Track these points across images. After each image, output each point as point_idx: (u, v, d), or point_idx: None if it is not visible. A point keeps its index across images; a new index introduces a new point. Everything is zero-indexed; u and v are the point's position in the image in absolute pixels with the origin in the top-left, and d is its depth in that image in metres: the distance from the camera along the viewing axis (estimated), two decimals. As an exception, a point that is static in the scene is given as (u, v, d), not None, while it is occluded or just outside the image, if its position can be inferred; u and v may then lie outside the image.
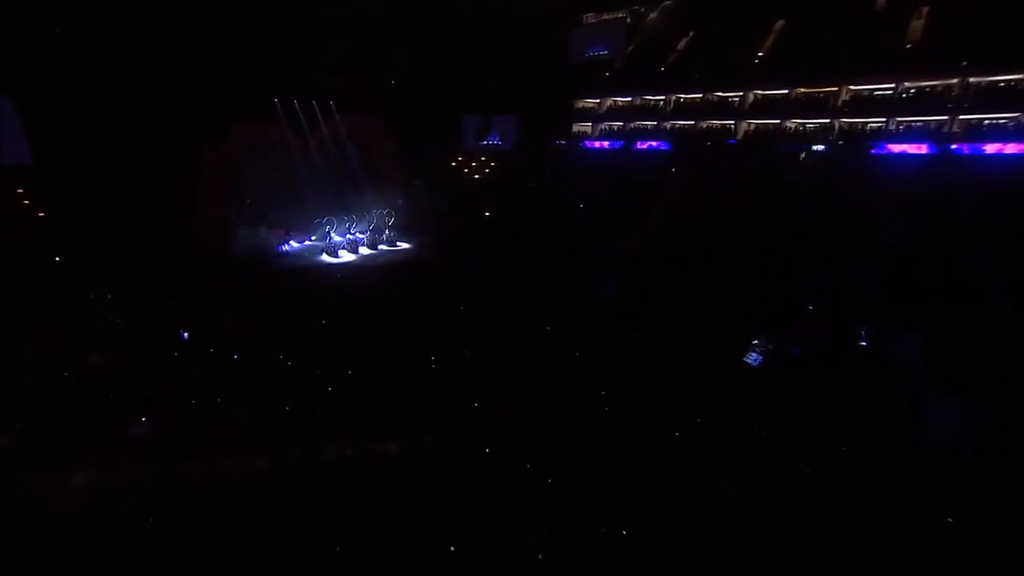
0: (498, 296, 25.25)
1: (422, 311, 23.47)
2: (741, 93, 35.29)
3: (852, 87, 29.93)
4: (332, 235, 33.80)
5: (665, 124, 39.62)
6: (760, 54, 34.26)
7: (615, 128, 42.50)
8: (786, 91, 32.98)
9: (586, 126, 43.67)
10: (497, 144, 41.92)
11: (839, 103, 30.21)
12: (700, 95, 37.65)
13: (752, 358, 20.58)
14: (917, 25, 28.32)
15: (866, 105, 29.38)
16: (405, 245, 35.38)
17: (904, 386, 17.21)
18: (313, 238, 35.30)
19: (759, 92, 34.76)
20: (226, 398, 15.56)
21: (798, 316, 23.09)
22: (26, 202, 28.11)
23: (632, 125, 41.41)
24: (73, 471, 11.50)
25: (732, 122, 36.07)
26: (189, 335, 20.69)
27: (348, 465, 13.51)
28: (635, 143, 40.20)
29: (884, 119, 28.41)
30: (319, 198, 35.33)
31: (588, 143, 42.99)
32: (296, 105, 33.90)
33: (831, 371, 18.44)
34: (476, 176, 42.34)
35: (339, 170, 36.57)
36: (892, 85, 28.17)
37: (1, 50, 26.18)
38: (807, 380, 18.38)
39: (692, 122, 38.16)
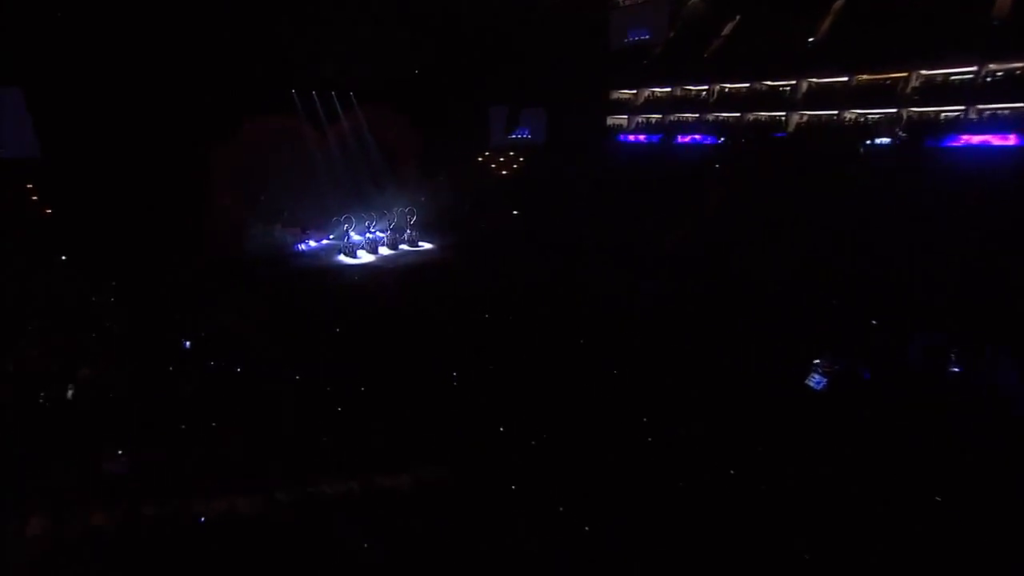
0: (527, 303, 23.36)
1: (444, 319, 21.74)
2: (793, 81, 32.60)
3: (925, 72, 27.03)
4: (351, 234, 32.41)
5: (707, 116, 37.10)
6: (815, 38, 31.50)
7: (652, 121, 40.17)
8: (845, 78, 30.21)
9: (621, 119, 41.42)
10: (526, 138, 39.92)
11: (908, 90, 27.38)
12: (747, 84, 35.07)
13: (815, 381, 18.26)
14: (1006, -1, 25.23)
15: (941, 92, 26.51)
16: (427, 245, 33.77)
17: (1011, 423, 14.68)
18: (331, 237, 33.89)
19: (813, 80, 32.04)
20: (221, 423, 13.97)
21: (861, 331, 20.57)
22: (34, 198, 27.22)
23: (671, 118, 39.01)
24: (29, 520, 9.97)
25: (782, 114, 33.42)
26: (191, 344, 19.32)
27: (351, 507, 11.77)
28: (675, 137, 37.80)
29: (962, 107, 25.53)
30: (337, 195, 34.01)
31: (623, 137, 40.77)
32: (314, 96, 32.52)
33: (914, 399, 16.02)
34: (503, 172, 40.44)
35: (359, 165, 35.27)
36: (974, 68, 25.23)
37: (7, 41, 25.26)
38: (884, 410, 16.03)
39: (737, 114, 35.58)
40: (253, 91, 29.82)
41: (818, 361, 19.08)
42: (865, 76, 29.72)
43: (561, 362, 18.33)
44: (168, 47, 27.57)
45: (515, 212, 38.06)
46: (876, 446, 14.43)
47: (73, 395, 13.90)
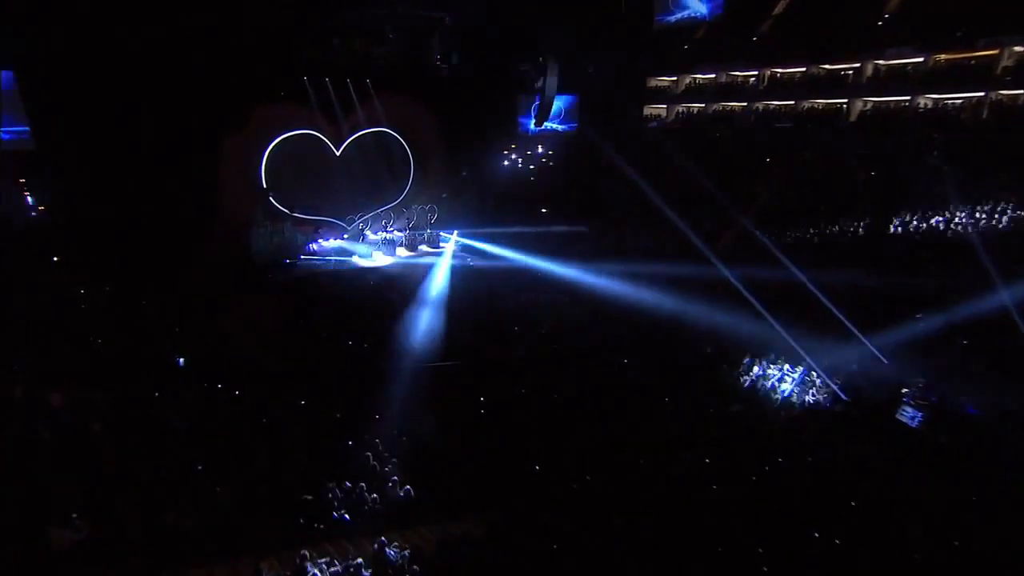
0: (563, 315, 21.13)
1: (469, 333, 19.60)
2: (857, 64, 29.73)
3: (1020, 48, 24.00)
4: (366, 234, 30.34)
5: (756, 105, 34.40)
6: (887, 15, 28.58)
7: (694, 111, 37.56)
8: (921, 58, 27.29)
9: (660, 108, 38.88)
10: (558, 129, 37.61)
11: (999, 70, 24.37)
12: (802, 68, 32.26)
13: (908, 415, 15.69)
14: None
15: (1041, 73, 23.53)
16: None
17: None
18: (345, 236, 31.87)
19: (881, 62, 29.15)
20: (213, 469, 11.91)
21: (959, 352, 17.82)
22: (26, 193, 25.70)
23: (715, 107, 36.37)
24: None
25: (843, 101, 30.59)
26: (187, 362, 17.43)
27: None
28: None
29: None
30: (352, 190, 31.97)
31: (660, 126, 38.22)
32: (328, 83, 30.28)
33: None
34: (532, 166, 38.15)
35: (375, 158, 32.89)
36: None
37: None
38: (997, 456, 13.45)
39: (791, 102, 32.83)
40: (262, 77, 27.95)
41: (907, 390, 16.52)
42: (944, 56, 26.79)
43: (606, 388, 16.07)
44: (169, 30, 25.81)
45: (544, 210, 35.89)
46: (991, 503, 11.96)
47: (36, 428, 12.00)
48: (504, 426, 14.27)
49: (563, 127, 37.96)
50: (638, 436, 13.99)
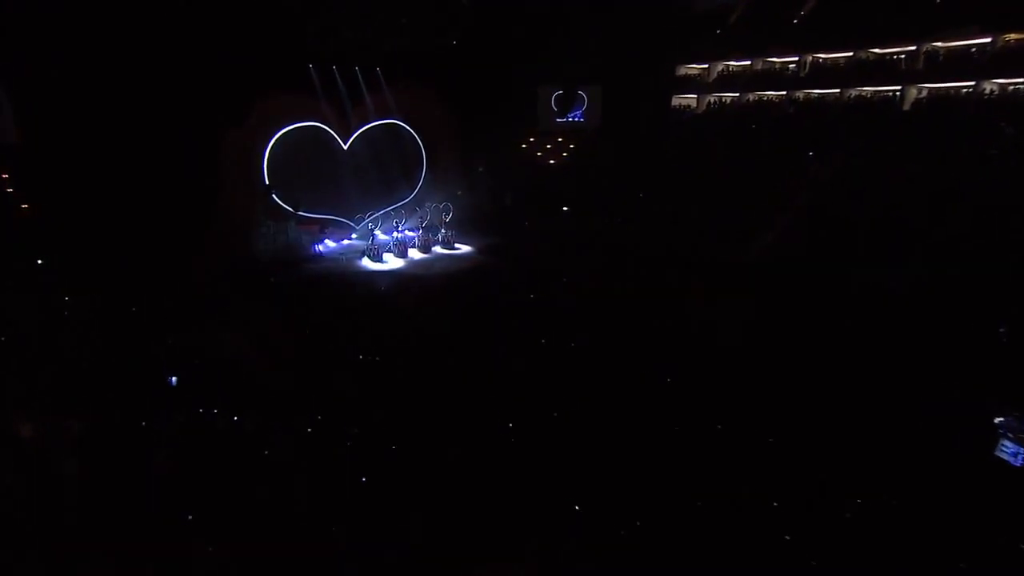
0: (593, 327, 19.32)
1: (492, 347, 17.79)
2: (912, 47, 27.74)
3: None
4: (376, 234, 28.73)
5: (796, 94, 32.49)
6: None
7: (726, 101, 35.68)
8: (987, 39, 25.32)
9: (689, 98, 37.04)
10: (580, 121, 35.88)
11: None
12: (849, 53, 30.29)
13: (1010, 451, 13.68)
14: None
15: None
16: (465, 248, 29.90)
17: None
18: (353, 236, 30.58)
19: (940, 44, 27.16)
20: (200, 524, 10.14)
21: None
22: (9, 190, 24.20)
23: (749, 96, 34.48)
24: None
25: (896, 88, 28.63)
26: (179, 380, 15.70)
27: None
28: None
29: None
30: (361, 187, 30.53)
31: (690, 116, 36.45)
32: (335, 72, 29.04)
33: None
34: (552, 161, 36.49)
35: (386, 152, 31.41)
36: None
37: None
38: None
39: (835, 90, 30.90)
40: (265, 66, 26.30)
41: (1002, 420, 14.49)
42: (1012, 36, 24.81)
43: (641, 403, 14.23)
44: (165, 14, 24.29)
45: (565, 208, 34.19)
46: None
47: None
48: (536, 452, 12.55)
49: (585, 120, 36.25)
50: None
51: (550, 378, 15.85)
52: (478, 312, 20.82)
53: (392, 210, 31.17)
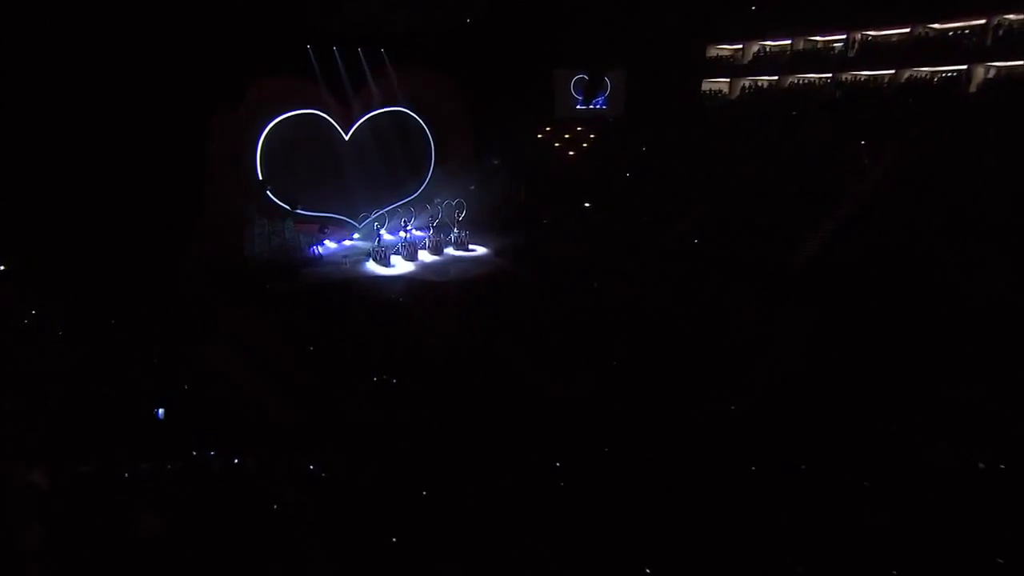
0: (635, 343, 17.63)
1: (519, 369, 16.10)
2: (982, 20, 26.01)
3: None
4: (382, 234, 27.25)
5: (842, 76, 30.85)
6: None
7: (763, 85, 34.02)
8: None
9: (722, 82, 35.40)
10: (602, 109, 34.37)
11: None
12: (905, 29, 28.60)
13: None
14: None
15: None
16: (480, 250, 28.27)
17: None
18: (356, 237, 29.16)
19: (1012, 17, 25.44)
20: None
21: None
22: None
23: (790, 80, 32.83)
24: None
25: (959, 67, 26.96)
26: (166, 413, 13.95)
27: None
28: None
29: None
30: (364, 182, 29.05)
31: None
32: (336, 53, 27.51)
33: None
34: (571, 152, 35.07)
35: (392, 143, 29.96)
36: None
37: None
38: None
39: (889, 71, 29.23)
40: (258, 46, 24.65)
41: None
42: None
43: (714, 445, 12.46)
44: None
45: (586, 204, 32.69)
46: None
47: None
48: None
49: (607, 108, 34.73)
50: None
51: (596, 405, 14.16)
52: (506, 325, 19.16)
53: (399, 207, 29.70)
